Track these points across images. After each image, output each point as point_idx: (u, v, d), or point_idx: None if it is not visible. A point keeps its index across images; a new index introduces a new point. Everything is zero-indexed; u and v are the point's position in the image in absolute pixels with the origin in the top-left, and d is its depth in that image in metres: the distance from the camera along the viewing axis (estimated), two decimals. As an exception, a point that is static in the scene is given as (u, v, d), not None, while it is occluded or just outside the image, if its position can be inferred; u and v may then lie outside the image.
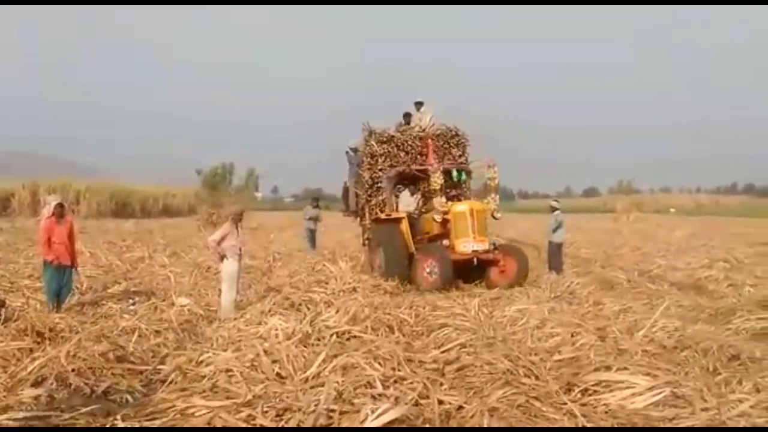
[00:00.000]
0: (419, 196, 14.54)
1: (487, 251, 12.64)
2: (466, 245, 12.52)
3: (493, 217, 13.32)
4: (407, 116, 15.31)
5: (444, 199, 13.12)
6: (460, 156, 14.80)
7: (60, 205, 9.46)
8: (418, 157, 14.48)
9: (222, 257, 9.69)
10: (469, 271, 12.78)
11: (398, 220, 13.69)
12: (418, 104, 15.47)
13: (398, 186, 14.65)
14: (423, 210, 14.19)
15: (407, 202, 14.33)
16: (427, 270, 12.10)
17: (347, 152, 15.81)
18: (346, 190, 16.20)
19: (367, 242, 15.28)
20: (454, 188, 14.38)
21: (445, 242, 12.69)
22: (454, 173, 13.98)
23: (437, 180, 13.05)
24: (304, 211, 20.06)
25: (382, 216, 14.12)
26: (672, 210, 71.86)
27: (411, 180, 14.48)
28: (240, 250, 9.87)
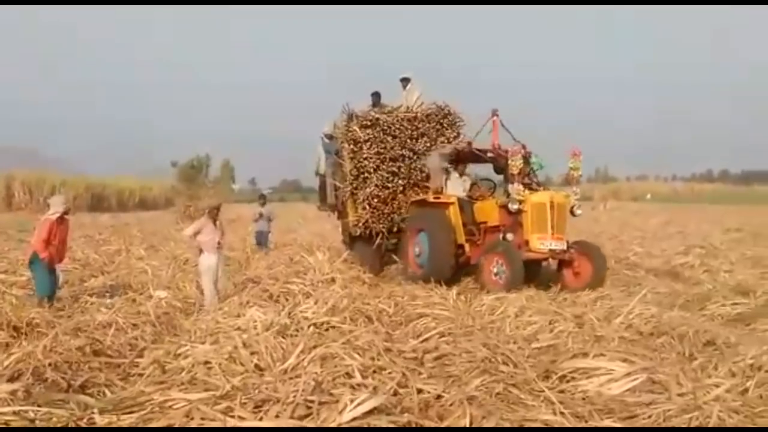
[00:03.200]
0: (467, 180, 12.94)
1: (564, 251, 11.12)
2: (544, 243, 10.90)
3: (572, 213, 11.70)
4: (375, 96, 13.79)
5: (521, 187, 11.25)
6: (455, 138, 13.17)
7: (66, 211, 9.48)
8: (409, 140, 13.02)
9: (199, 251, 9.63)
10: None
11: (446, 205, 12.03)
12: (405, 80, 13.71)
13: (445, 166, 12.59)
14: (475, 196, 12.46)
15: (454, 184, 12.54)
16: (494, 270, 10.64)
17: (322, 138, 14.18)
18: (323, 182, 14.52)
19: (348, 240, 13.90)
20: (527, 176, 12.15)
21: (509, 236, 11.16)
22: (533, 159, 12.06)
23: (516, 163, 11.19)
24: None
25: (430, 198, 12.24)
26: (648, 196, 72.46)
27: (459, 160, 12.72)
28: (218, 243, 9.78)
